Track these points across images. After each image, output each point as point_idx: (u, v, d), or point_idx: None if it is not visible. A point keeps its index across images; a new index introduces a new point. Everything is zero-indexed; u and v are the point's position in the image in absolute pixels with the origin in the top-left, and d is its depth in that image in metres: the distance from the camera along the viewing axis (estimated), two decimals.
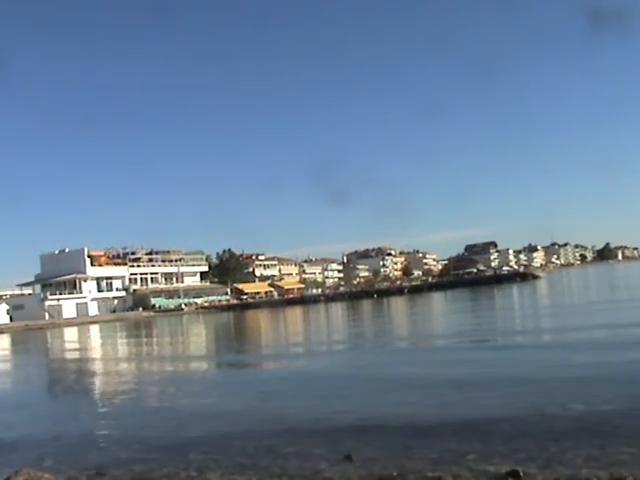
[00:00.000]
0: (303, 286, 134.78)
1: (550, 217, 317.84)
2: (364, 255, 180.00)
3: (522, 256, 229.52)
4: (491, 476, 6.22)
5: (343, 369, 16.38)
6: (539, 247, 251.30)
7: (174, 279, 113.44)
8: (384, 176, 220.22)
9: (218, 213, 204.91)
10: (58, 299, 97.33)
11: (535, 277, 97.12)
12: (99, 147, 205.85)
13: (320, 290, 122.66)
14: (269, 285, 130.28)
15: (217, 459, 7.70)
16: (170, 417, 11.09)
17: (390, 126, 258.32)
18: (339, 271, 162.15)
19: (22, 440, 9.95)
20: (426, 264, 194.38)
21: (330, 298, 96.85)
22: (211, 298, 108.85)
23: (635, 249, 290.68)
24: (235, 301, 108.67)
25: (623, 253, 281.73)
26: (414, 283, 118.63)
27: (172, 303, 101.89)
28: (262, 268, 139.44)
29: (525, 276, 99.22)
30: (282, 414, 10.29)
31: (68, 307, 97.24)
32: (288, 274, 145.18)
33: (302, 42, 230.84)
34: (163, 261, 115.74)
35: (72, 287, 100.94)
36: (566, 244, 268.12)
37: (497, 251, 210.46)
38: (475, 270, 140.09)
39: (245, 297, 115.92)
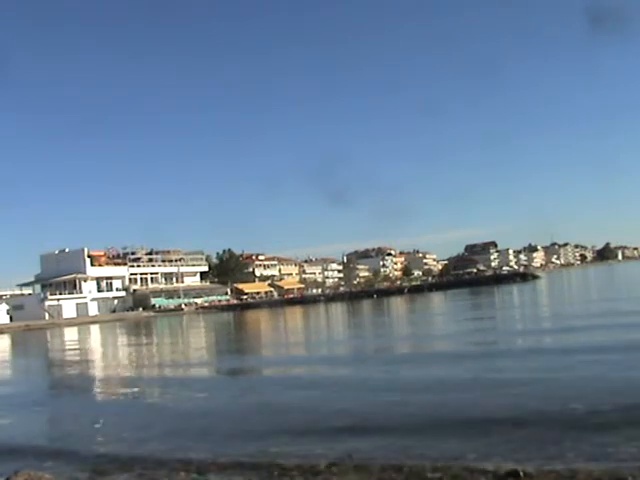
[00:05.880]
0: (303, 286, 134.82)
1: (550, 217, 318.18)
2: (364, 255, 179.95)
3: (522, 256, 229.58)
4: (491, 476, 6.22)
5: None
6: (539, 247, 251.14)
7: (174, 279, 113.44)
8: (384, 176, 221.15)
9: (218, 213, 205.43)
10: (58, 299, 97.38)
11: (535, 277, 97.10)
12: (99, 147, 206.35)
13: (320, 290, 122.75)
14: (269, 285, 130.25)
15: (217, 459, 7.69)
16: (170, 418, 11.08)
17: (390, 126, 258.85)
18: (339, 271, 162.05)
19: (22, 440, 9.93)
20: (426, 264, 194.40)
21: (330, 298, 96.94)
22: (211, 298, 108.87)
23: (635, 249, 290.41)
24: (235, 301, 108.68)
25: (623, 253, 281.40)
26: (414, 283, 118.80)
27: (172, 303, 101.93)
28: (262, 268, 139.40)
29: (525, 276, 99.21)
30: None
31: (68, 307, 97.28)
32: (288, 274, 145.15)
33: (302, 42, 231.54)
34: (163, 261, 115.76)
35: (72, 287, 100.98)
36: (566, 244, 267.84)
37: (497, 251, 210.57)
38: (475, 270, 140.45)
39: (245, 297, 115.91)
